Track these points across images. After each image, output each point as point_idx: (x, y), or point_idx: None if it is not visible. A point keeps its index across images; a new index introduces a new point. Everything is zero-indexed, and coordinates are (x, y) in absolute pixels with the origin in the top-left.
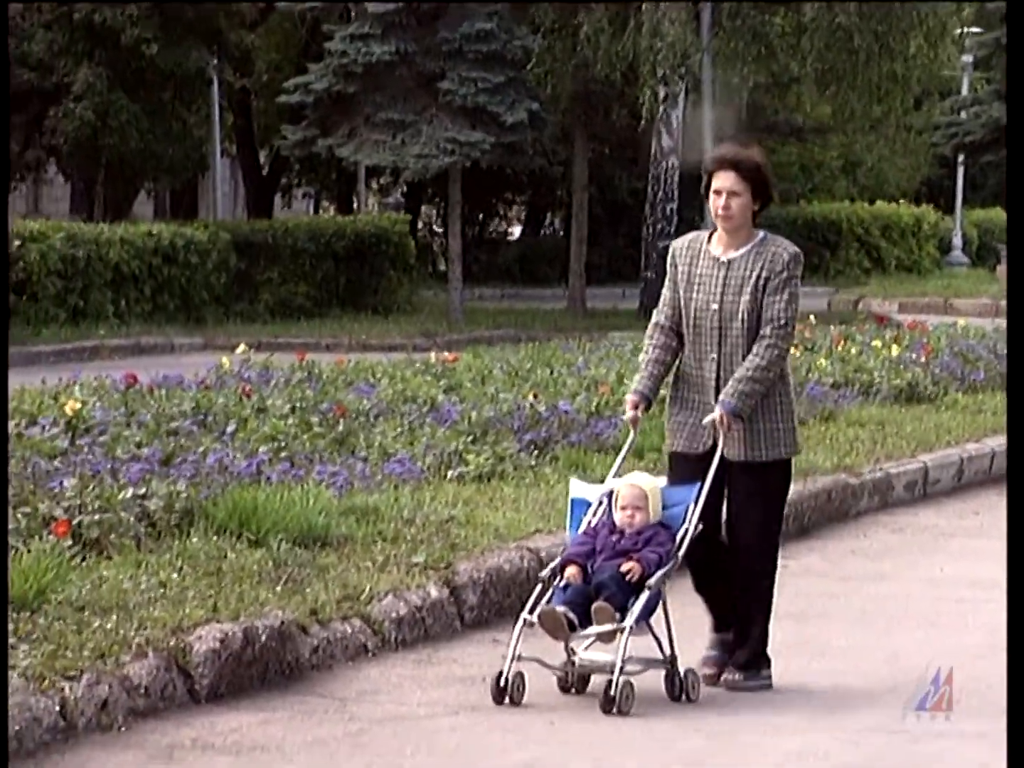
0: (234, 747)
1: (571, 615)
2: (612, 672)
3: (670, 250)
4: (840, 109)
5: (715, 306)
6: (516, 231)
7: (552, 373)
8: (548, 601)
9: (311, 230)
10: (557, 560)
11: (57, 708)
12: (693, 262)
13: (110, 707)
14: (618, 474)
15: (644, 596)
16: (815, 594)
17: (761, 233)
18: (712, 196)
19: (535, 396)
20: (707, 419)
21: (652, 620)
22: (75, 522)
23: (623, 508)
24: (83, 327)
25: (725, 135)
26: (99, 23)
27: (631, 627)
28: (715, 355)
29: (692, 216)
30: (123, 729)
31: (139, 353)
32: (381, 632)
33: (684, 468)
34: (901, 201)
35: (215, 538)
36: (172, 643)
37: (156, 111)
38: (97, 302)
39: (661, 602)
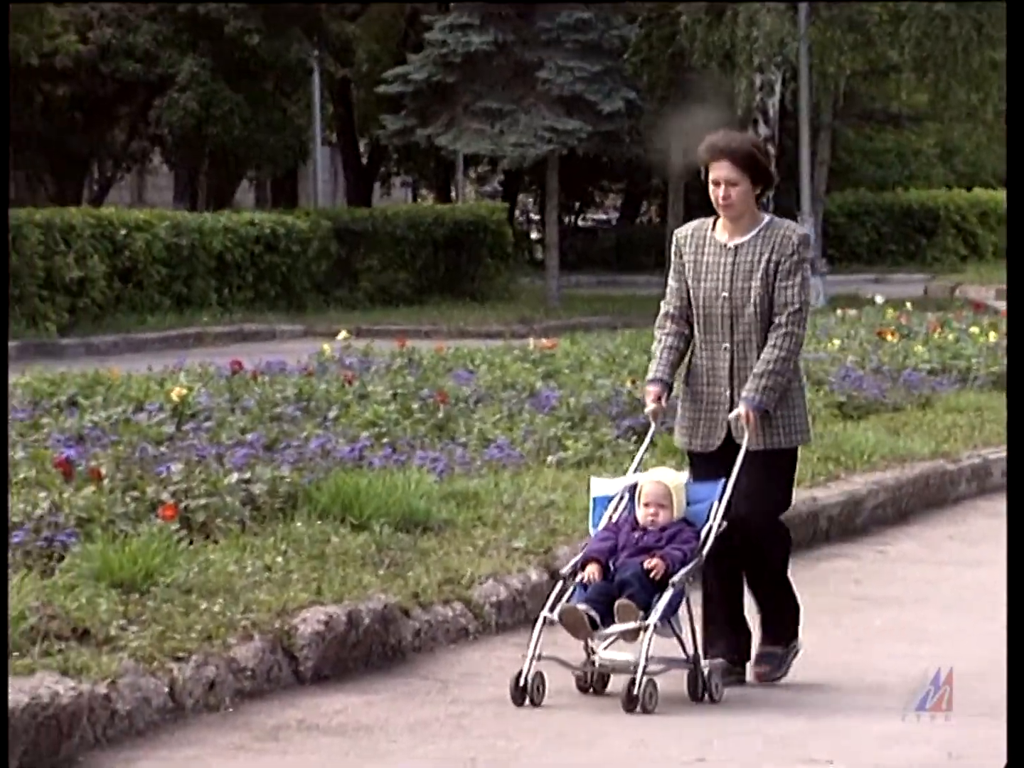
0: (339, 728)
1: (593, 613)
2: (634, 671)
3: (674, 239)
4: (938, 97)
5: (725, 294)
6: (612, 218)
7: (649, 359)
8: (569, 599)
9: (410, 218)
10: (577, 556)
11: (166, 689)
12: (699, 250)
13: (217, 688)
14: (640, 468)
15: (668, 594)
16: (913, 580)
17: (767, 217)
18: (711, 187)
19: (632, 382)
20: (732, 415)
21: (674, 619)
22: (182, 506)
23: (646, 505)
24: (187, 314)
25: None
26: (203, 15)
27: (655, 625)
28: (727, 344)
29: (787, 205)
30: (230, 710)
31: (241, 340)
32: (482, 616)
33: (703, 465)
34: (999, 188)
35: (318, 522)
36: (277, 625)
37: (258, 101)
38: (200, 290)
39: (684, 600)
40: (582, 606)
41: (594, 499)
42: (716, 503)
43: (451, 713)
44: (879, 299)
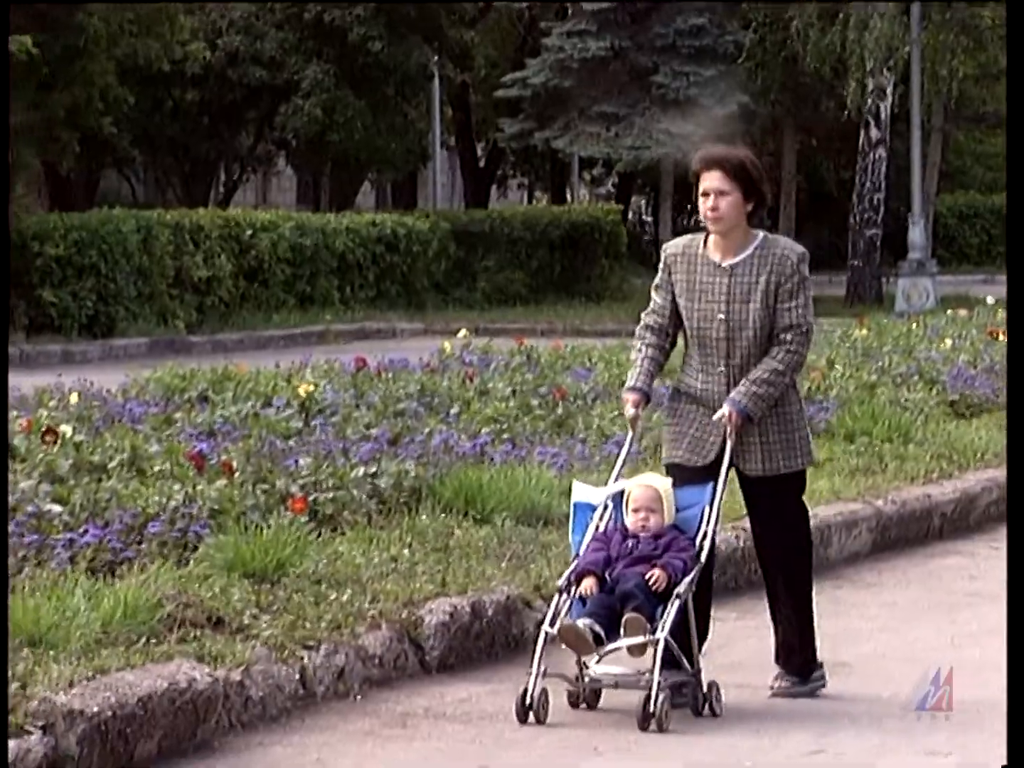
0: (464, 716)
1: (597, 627)
2: (645, 686)
3: (663, 254)
4: None
5: (721, 316)
6: None
7: None
8: (567, 613)
9: (526, 219)
10: (571, 569)
11: (297, 676)
12: (691, 269)
13: (346, 676)
14: (620, 476)
15: (675, 605)
16: None
17: (760, 234)
18: (701, 199)
19: None
20: (715, 416)
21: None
22: (310, 499)
23: (636, 511)
24: (311, 312)
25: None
26: (327, 22)
27: (664, 639)
28: (723, 367)
29: (898, 207)
30: (359, 697)
31: (363, 337)
32: None
33: (685, 479)
34: None
35: (442, 515)
36: (404, 616)
37: (380, 106)
38: (324, 288)
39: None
40: (585, 621)
41: (575, 504)
42: (707, 508)
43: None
44: (990, 299)
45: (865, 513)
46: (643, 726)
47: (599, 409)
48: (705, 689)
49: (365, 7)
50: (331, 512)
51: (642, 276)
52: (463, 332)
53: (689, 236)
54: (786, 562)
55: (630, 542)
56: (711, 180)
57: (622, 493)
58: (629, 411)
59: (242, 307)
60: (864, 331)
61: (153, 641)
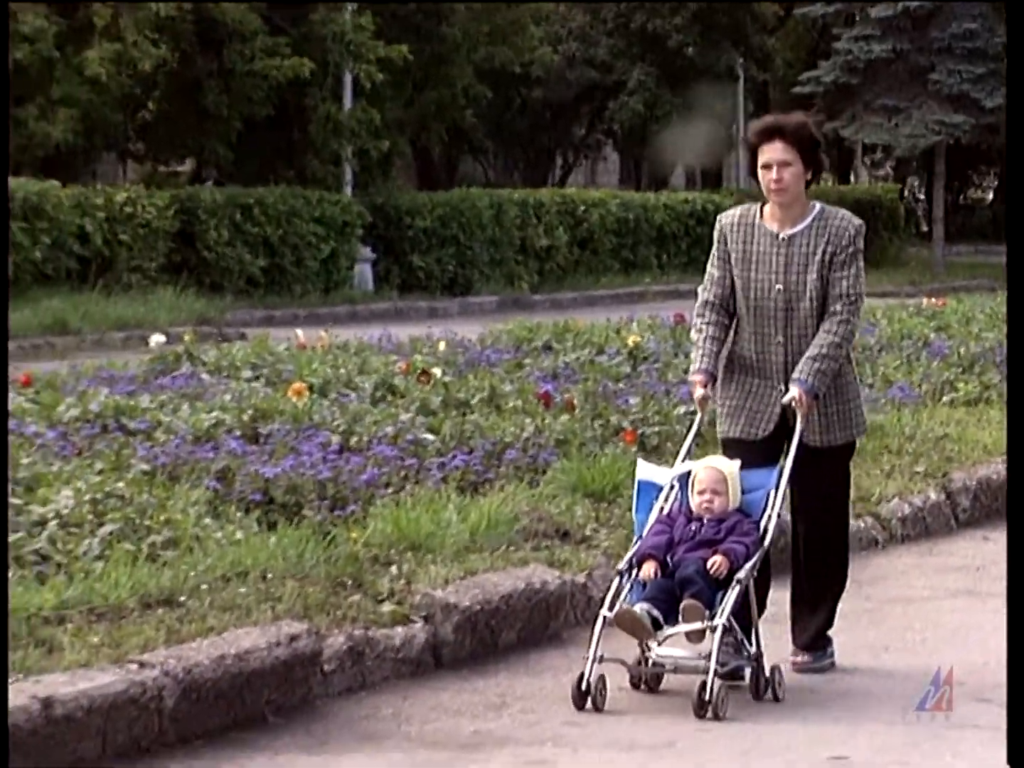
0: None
1: (655, 612)
2: (704, 672)
3: (717, 226)
4: None
5: (779, 286)
6: (989, 197)
7: None
8: (627, 597)
9: (816, 196)
10: (632, 551)
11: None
12: (748, 239)
13: None
14: (688, 457)
15: (735, 592)
16: None
17: (817, 205)
18: (761, 171)
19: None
20: (785, 398)
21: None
22: (639, 432)
23: (701, 492)
24: (632, 275)
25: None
26: (650, 30)
27: (723, 625)
28: (781, 338)
29: None
30: None
31: (676, 297)
32: (888, 528)
33: (741, 454)
34: None
35: None
36: None
37: (692, 102)
38: (643, 255)
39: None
40: (644, 605)
41: (639, 482)
42: (773, 492)
43: (865, 608)
44: None
45: None
46: (699, 714)
47: (884, 359)
48: (768, 673)
49: (683, 17)
50: (656, 443)
51: (916, 246)
52: None
53: (745, 205)
54: (825, 534)
55: (694, 525)
56: (773, 152)
57: (688, 474)
58: (698, 392)
59: (576, 271)
60: None
61: (512, 548)
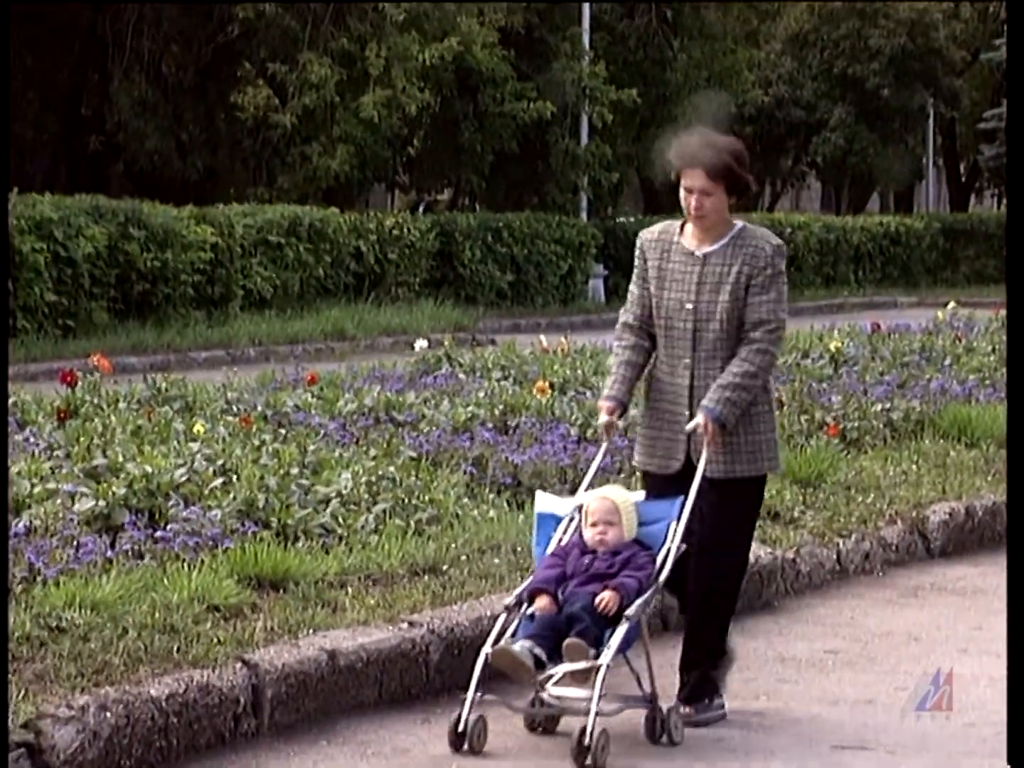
0: (960, 590)
1: (538, 650)
2: (587, 715)
3: (638, 242)
4: None
5: (689, 305)
6: None
7: None
8: (513, 633)
9: (999, 221)
10: (522, 586)
11: (834, 557)
12: (664, 256)
13: (871, 558)
14: (591, 487)
15: (622, 629)
16: None
17: (739, 224)
18: (683, 192)
19: None
20: (689, 426)
21: (630, 652)
22: (841, 426)
23: (593, 524)
24: (832, 288)
25: None
26: (851, 74)
27: (607, 665)
28: (688, 359)
29: None
30: (880, 574)
31: (871, 308)
32: None
33: (657, 486)
34: None
35: (940, 441)
36: (914, 515)
37: (887, 137)
38: (842, 271)
39: (640, 633)
40: (526, 643)
41: (538, 515)
42: (675, 523)
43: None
44: None
45: None
46: (578, 761)
47: None
48: (665, 714)
49: (879, 62)
50: (856, 436)
51: None
52: (951, 304)
53: (667, 222)
54: (715, 573)
55: (587, 558)
56: (693, 179)
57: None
58: (602, 418)
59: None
60: None
61: None
